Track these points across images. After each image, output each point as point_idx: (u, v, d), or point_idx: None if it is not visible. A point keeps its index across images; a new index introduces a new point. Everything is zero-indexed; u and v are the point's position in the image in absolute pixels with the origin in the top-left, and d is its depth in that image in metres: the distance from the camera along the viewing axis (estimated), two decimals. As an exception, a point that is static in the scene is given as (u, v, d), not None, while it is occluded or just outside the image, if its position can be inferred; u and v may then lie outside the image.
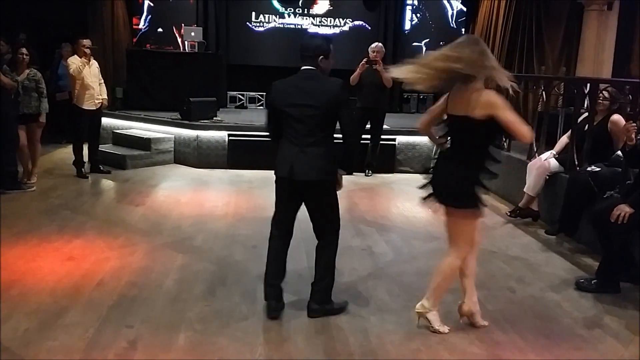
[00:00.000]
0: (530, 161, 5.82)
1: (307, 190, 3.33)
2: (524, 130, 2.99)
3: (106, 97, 7.25)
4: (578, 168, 5.20)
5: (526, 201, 5.63)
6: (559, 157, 5.52)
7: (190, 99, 8.12)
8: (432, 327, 3.31)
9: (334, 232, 3.52)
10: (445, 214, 3.30)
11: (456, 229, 3.28)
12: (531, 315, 3.63)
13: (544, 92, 6.38)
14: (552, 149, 5.69)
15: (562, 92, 6.75)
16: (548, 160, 5.53)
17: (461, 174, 3.16)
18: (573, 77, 8.54)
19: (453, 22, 11.15)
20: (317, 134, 3.24)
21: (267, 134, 3.50)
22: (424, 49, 11.11)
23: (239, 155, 7.86)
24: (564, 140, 5.63)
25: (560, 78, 7.59)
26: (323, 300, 3.47)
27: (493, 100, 2.99)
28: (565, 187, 5.08)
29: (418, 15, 11.11)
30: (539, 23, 10.07)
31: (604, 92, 5.20)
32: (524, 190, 5.63)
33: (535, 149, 6.09)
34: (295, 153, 3.25)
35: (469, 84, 3.05)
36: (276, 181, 3.40)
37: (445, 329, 3.33)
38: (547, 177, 5.49)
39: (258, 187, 6.80)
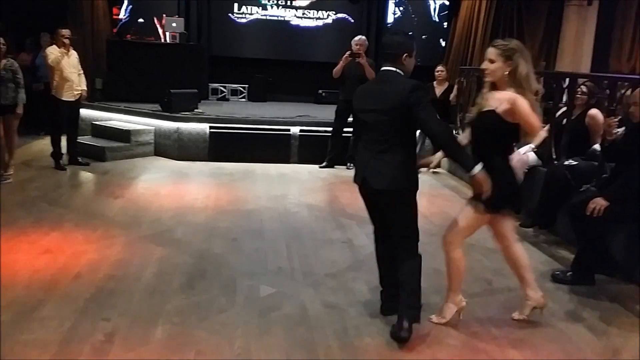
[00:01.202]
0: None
1: (380, 199, 3.18)
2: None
3: (85, 88, 7.15)
4: (556, 162, 5.26)
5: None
6: (537, 151, 5.58)
7: (171, 90, 8.05)
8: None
9: (411, 244, 3.29)
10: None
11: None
12: (506, 307, 3.66)
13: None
14: (530, 142, 5.74)
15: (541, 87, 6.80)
16: (527, 153, 5.59)
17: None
18: (552, 72, 8.63)
19: (435, 16, 11.19)
20: (389, 140, 3.06)
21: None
22: (407, 42, 11.16)
23: (220, 147, 7.82)
24: (542, 134, 5.66)
25: (539, 72, 7.66)
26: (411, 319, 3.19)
27: None
28: (543, 180, 5.14)
29: (401, 8, 11.13)
30: (520, 18, 10.15)
31: (582, 86, 5.26)
32: (503, 183, 5.67)
33: (514, 143, 6.13)
34: (368, 160, 3.11)
35: None
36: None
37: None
38: (526, 171, 5.54)
39: (239, 180, 6.77)
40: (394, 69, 3.09)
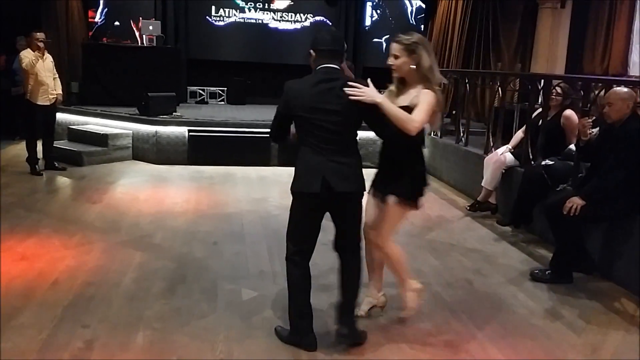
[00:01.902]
0: (487, 156, 5.94)
1: (345, 204, 3.02)
2: None
3: (61, 92, 7.05)
4: (533, 162, 5.34)
5: (484, 195, 5.76)
6: (514, 152, 5.66)
7: (149, 94, 7.97)
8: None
9: (360, 245, 3.23)
10: None
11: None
12: (488, 306, 3.71)
13: (499, 88, 6.52)
14: (508, 143, 5.82)
15: (517, 88, 6.91)
16: (504, 154, 5.66)
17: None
18: (527, 74, 8.77)
19: (412, 19, 11.28)
20: (344, 141, 2.95)
21: (269, 133, 3.15)
22: (384, 45, 11.22)
23: (199, 151, 7.77)
24: (519, 135, 5.77)
25: (515, 74, 7.79)
26: (353, 322, 3.15)
27: None
28: (520, 180, 5.21)
29: (378, 11, 11.21)
30: (495, 20, 10.29)
31: (557, 87, 5.35)
32: (482, 184, 5.75)
33: (492, 144, 6.23)
34: (323, 163, 2.89)
35: None
36: (300, 197, 3.00)
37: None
38: (504, 171, 5.62)
39: (219, 183, 6.74)
40: (338, 67, 2.96)
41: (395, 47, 3.12)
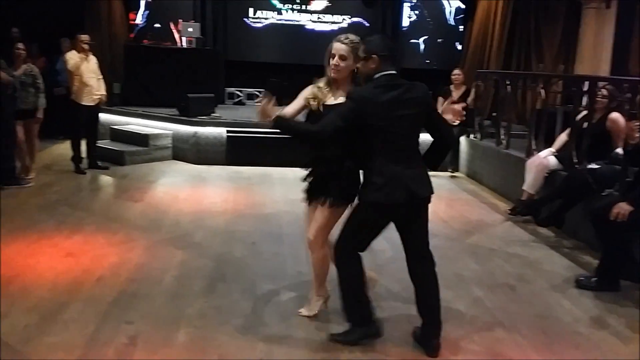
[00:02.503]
0: (529, 159, 5.83)
1: (422, 208, 3.09)
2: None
3: (104, 92, 7.22)
4: (577, 166, 5.21)
5: (526, 199, 5.64)
6: (558, 155, 5.53)
7: (188, 95, 8.10)
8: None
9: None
10: None
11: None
12: (531, 313, 3.63)
13: (542, 90, 6.38)
14: (550, 146, 5.70)
15: (560, 90, 6.75)
16: (547, 157, 5.54)
17: None
18: (572, 75, 8.56)
19: (451, 19, 11.14)
20: (413, 146, 2.99)
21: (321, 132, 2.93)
22: (422, 46, 11.12)
23: (237, 151, 7.84)
24: (562, 138, 5.64)
25: (559, 76, 7.62)
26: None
27: None
28: (562, 182, 5.10)
29: (416, 12, 11.10)
30: (537, 21, 10.07)
31: (602, 90, 5.20)
32: (523, 187, 5.63)
33: (534, 147, 6.10)
34: (402, 171, 2.89)
35: None
36: (379, 209, 2.98)
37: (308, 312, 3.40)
38: (547, 175, 5.50)
39: (257, 184, 6.78)
40: (397, 72, 2.94)
41: (343, 48, 3.03)
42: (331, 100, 3.12)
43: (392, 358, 3.02)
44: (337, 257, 3.13)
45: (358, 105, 2.84)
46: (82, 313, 3.29)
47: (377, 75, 2.89)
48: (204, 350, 2.98)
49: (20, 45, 6.24)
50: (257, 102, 3.01)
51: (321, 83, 3.19)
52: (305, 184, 3.30)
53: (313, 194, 3.26)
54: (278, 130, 2.97)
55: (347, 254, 3.10)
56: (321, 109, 3.12)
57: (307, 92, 3.22)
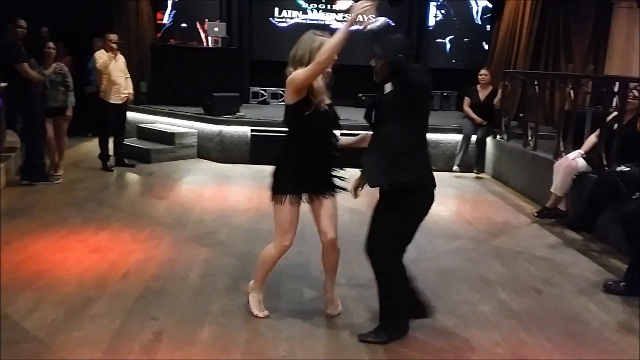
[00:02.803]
0: (557, 161, 5.73)
1: None
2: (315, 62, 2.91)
3: (132, 91, 7.32)
4: (607, 168, 5.10)
5: (553, 201, 5.55)
6: (587, 157, 5.43)
7: (214, 94, 8.16)
8: (250, 308, 3.34)
9: None
10: None
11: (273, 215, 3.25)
12: (558, 317, 3.57)
13: (571, 91, 6.27)
14: (579, 148, 5.59)
15: (590, 91, 6.62)
16: (576, 159, 5.44)
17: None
18: (602, 76, 8.39)
19: (478, 18, 11.03)
20: None
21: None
22: (448, 45, 11.03)
23: (261, 150, 7.86)
24: (592, 139, 5.53)
25: (588, 76, 7.47)
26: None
27: (291, 77, 3.00)
28: (592, 186, 4.99)
29: (442, 11, 11.01)
30: (567, 20, 9.91)
31: (634, 90, 5.09)
32: (551, 190, 5.54)
33: (562, 148, 6.00)
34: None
35: None
36: (423, 198, 3.09)
37: (260, 313, 3.33)
38: (575, 177, 5.40)
39: (280, 183, 6.79)
40: None
41: None
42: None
43: (415, 359, 2.99)
44: (392, 264, 3.10)
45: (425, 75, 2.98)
46: (108, 308, 3.34)
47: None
48: (227, 347, 3.00)
49: (51, 45, 6.36)
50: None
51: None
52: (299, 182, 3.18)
53: (316, 189, 3.22)
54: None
55: (401, 255, 3.12)
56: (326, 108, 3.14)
57: None
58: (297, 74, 2.98)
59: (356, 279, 4.01)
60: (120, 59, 7.10)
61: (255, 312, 3.33)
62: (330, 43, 2.92)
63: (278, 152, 3.22)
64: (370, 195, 6.62)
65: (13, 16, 6.09)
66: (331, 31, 3.06)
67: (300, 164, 3.12)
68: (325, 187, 3.24)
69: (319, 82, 3.06)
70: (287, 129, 3.18)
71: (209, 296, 3.59)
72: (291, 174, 3.12)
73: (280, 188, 3.14)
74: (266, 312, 3.34)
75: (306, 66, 2.97)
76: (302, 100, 3.02)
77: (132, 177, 7.06)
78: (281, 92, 10.81)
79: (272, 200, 3.17)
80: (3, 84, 6.09)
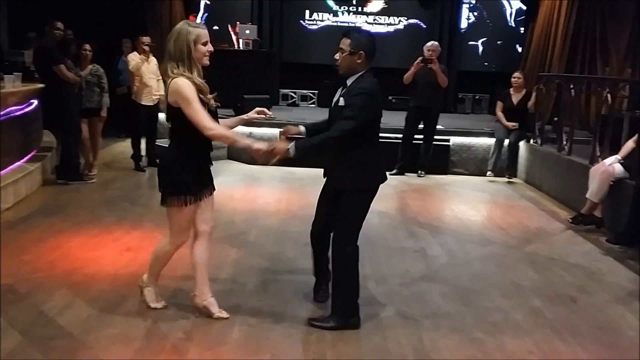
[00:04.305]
0: (593, 166, 5.60)
1: None
2: (203, 123, 2.92)
3: (163, 93, 7.37)
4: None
5: (589, 207, 5.41)
6: (624, 163, 5.28)
7: (244, 96, 8.21)
8: (146, 302, 3.31)
9: None
10: None
11: (168, 217, 3.20)
12: (593, 326, 3.48)
13: (608, 95, 6.12)
14: (616, 153, 5.45)
15: (627, 95, 6.45)
16: (612, 165, 5.30)
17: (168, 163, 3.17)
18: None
19: (512, 21, 10.87)
20: None
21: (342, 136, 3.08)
22: (480, 48, 10.89)
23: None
24: (629, 145, 5.38)
25: (627, 80, 7.29)
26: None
27: (177, 88, 2.93)
28: (631, 194, 4.85)
29: (475, 13, 10.88)
30: (604, 22, 9.67)
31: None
32: (587, 196, 5.41)
33: (598, 154, 5.86)
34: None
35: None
36: (373, 192, 3.27)
37: (158, 305, 3.33)
38: (612, 183, 5.26)
39: (309, 185, 6.80)
40: None
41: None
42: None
43: None
44: (348, 251, 3.23)
45: (374, 101, 3.11)
46: (141, 306, 3.37)
47: (367, 71, 3.15)
48: (257, 348, 3.00)
49: (87, 46, 6.49)
50: (257, 147, 3.06)
51: None
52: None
53: (207, 185, 3.25)
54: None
55: (355, 245, 3.26)
56: None
57: None
58: (184, 92, 2.92)
59: (387, 284, 3.98)
60: (152, 61, 7.19)
61: (153, 304, 3.33)
62: (228, 136, 3.07)
63: (166, 156, 3.21)
64: (399, 200, 6.60)
65: (50, 18, 6.22)
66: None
67: (194, 164, 3.13)
68: (210, 182, 3.28)
69: (203, 83, 3.07)
70: (174, 132, 3.13)
71: (238, 297, 3.61)
72: (187, 175, 3.08)
73: (178, 190, 3.07)
74: (163, 303, 3.37)
75: (185, 60, 2.98)
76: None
77: (163, 177, 7.14)
78: (311, 95, 10.86)
79: (169, 204, 3.09)
80: (40, 85, 6.24)
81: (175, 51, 2.98)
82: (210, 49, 3.07)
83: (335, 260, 3.28)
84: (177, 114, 3.00)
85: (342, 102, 3.15)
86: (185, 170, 3.08)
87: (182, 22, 3.11)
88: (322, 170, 3.45)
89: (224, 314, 3.29)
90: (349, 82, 3.19)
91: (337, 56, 3.19)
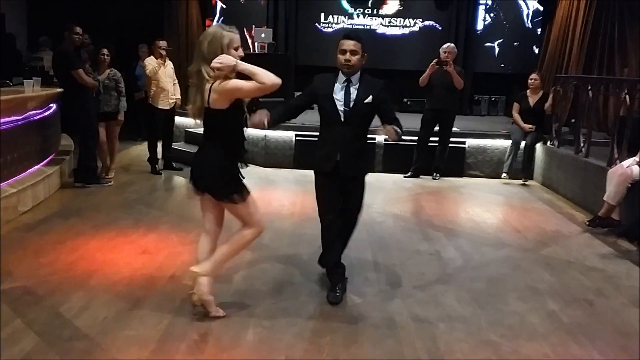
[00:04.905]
0: (611, 168, 5.53)
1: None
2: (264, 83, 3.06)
3: (179, 97, 7.47)
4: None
5: (606, 210, 5.35)
6: (643, 165, 5.21)
7: (259, 99, 8.20)
8: (200, 293, 3.26)
9: None
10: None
11: (238, 214, 3.30)
12: (610, 330, 3.44)
13: (627, 96, 6.04)
14: (635, 155, 5.38)
15: (647, 96, 6.36)
16: (631, 167, 5.23)
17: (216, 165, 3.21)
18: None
19: (528, 22, 10.78)
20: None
21: None
22: (497, 49, 10.82)
23: (305, 155, 7.89)
24: (647, 146, 5.31)
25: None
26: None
27: (224, 89, 3.05)
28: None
29: (491, 14, 10.80)
30: (622, 22, 9.53)
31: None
32: (604, 198, 5.34)
33: (616, 155, 5.79)
34: None
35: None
36: None
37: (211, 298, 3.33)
38: (630, 186, 5.19)
39: (324, 188, 6.81)
40: None
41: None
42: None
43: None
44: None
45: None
46: (157, 308, 3.41)
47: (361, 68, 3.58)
48: (271, 350, 3.02)
49: (105, 51, 6.57)
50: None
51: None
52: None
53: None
54: None
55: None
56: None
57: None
58: (241, 86, 3.07)
59: (401, 287, 3.97)
60: (169, 65, 7.27)
61: (206, 297, 3.29)
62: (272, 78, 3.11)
63: (211, 159, 3.23)
64: (414, 202, 6.57)
65: (68, 23, 6.32)
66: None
67: (235, 162, 3.29)
68: None
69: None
70: (215, 133, 3.23)
71: (253, 299, 3.63)
72: (235, 169, 3.26)
73: (236, 185, 3.24)
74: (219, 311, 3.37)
75: None
76: (235, 103, 3.15)
77: (179, 180, 7.21)
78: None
79: (237, 200, 3.22)
80: (59, 90, 6.34)
81: (209, 54, 3.07)
82: (241, 54, 3.15)
83: (352, 227, 3.83)
84: (219, 116, 3.13)
85: (369, 99, 3.56)
86: (233, 166, 3.24)
87: (215, 25, 3.23)
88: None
89: (221, 312, 3.34)
90: (353, 79, 3.62)
91: (350, 57, 3.50)
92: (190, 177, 3.34)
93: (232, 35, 3.10)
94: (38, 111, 6.04)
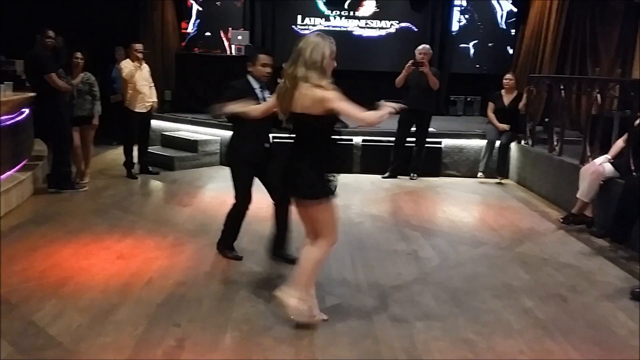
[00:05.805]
0: (584, 166, 5.63)
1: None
2: (360, 116, 3.09)
3: (156, 100, 7.42)
4: (635, 173, 4.99)
5: (579, 207, 5.44)
6: (614, 162, 5.32)
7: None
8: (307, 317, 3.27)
9: None
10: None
11: (319, 220, 3.33)
12: (584, 325, 3.50)
13: (598, 95, 6.16)
14: (606, 153, 5.48)
15: (617, 95, 6.49)
16: (603, 165, 5.33)
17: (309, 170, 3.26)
18: (631, 80, 8.21)
19: (503, 23, 10.92)
20: None
21: None
22: (472, 50, 10.94)
23: (280, 157, 7.88)
24: (619, 144, 5.42)
25: (617, 80, 7.33)
26: None
27: (323, 95, 3.09)
28: (620, 193, 4.88)
29: (466, 16, 10.92)
30: (593, 23, 9.73)
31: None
32: (577, 196, 5.44)
33: (589, 153, 5.89)
34: None
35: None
36: None
37: (323, 316, 3.39)
38: (602, 183, 5.29)
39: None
40: None
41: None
42: None
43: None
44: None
45: None
46: (132, 315, 3.37)
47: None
48: (249, 354, 3.01)
49: (78, 55, 6.48)
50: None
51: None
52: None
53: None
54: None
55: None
56: None
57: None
58: (340, 105, 3.09)
59: (379, 287, 3.99)
60: (145, 68, 7.20)
61: (319, 316, 3.35)
62: (370, 116, 3.14)
63: (300, 163, 3.29)
64: (391, 203, 6.61)
65: (41, 27, 6.22)
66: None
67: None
68: None
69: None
70: (310, 137, 3.31)
71: (231, 303, 3.61)
72: (324, 178, 3.26)
73: (325, 187, 3.26)
74: (324, 316, 3.39)
75: (319, 69, 3.12)
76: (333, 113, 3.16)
77: (156, 184, 7.15)
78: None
79: (325, 201, 3.26)
80: (31, 94, 6.23)
81: (311, 59, 3.13)
82: (335, 65, 3.25)
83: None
84: (322, 124, 3.19)
85: None
86: (321, 172, 3.28)
87: (315, 34, 3.25)
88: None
89: (324, 316, 3.38)
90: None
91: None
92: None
93: (333, 46, 3.20)
94: (10, 116, 5.94)
